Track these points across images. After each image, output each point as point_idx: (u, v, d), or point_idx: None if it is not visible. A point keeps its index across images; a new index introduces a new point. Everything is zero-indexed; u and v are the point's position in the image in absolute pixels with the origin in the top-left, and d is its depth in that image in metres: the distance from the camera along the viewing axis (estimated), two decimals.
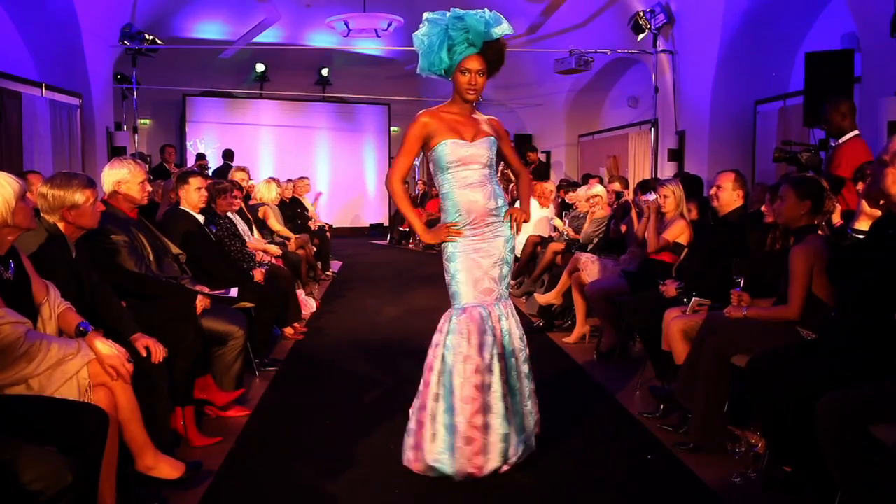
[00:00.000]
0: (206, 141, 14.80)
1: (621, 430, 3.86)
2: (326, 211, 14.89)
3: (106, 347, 2.64)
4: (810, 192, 3.40)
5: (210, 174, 9.86)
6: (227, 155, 12.47)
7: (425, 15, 3.14)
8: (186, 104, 15.05)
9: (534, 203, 8.15)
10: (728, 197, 4.26)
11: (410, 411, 3.21)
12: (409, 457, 3.16)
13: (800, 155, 5.01)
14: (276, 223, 7.24)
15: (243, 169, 7.18)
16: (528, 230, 7.96)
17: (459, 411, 3.06)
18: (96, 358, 2.59)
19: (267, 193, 7.40)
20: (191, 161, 13.75)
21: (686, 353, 3.65)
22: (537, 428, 3.32)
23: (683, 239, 4.83)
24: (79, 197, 3.02)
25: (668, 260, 4.87)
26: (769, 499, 2.98)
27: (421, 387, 3.18)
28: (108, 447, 2.45)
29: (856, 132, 4.91)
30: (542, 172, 11.66)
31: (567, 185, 9.01)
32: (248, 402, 4.16)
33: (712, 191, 4.33)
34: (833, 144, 5.01)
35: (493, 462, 3.10)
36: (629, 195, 6.85)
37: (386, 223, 16.54)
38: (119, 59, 10.78)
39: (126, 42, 10.32)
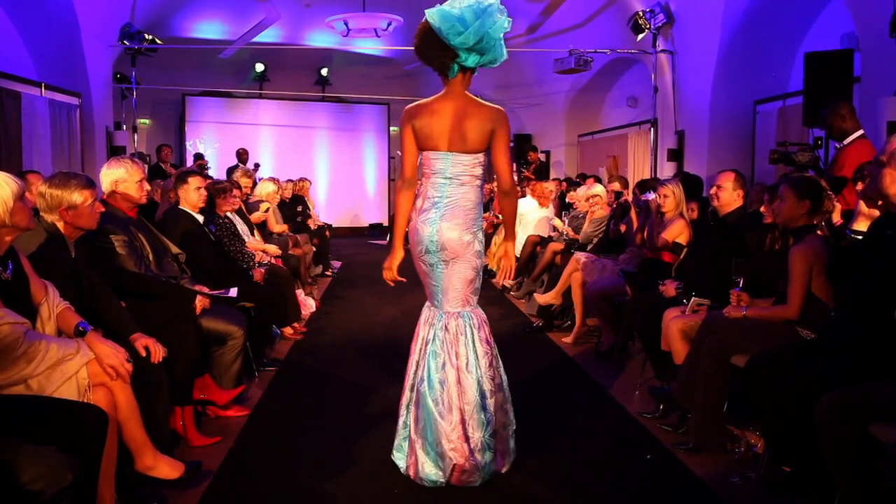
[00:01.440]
0: (205, 141, 14.80)
1: (620, 429, 3.86)
2: (326, 211, 14.89)
3: (105, 347, 2.64)
4: (809, 192, 3.40)
5: (212, 175, 9.85)
6: (240, 155, 12.39)
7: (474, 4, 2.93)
8: (186, 104, 15.04)
9: (533, 203, 8.17)
10: (728, 197, 4.26)
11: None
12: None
13: (795, 155, 5.00)
14: (276, 224, 7.20)
15: (249, 175, 7.15)
16: (528, 230, 7.97)
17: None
18: (95, 358, 2.60)
19: (263, 191, 7.38)
20: (189, 161, 13.74)
21: (685, 353, 3.65)
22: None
23: (683, 239, 4.83)
24: (77, 197, 3.02)
25: (667, 260, 4.87)
26: (768, 499, 2.98)
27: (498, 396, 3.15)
28: (108, 447, 2.45)
29: (860, 132, 4.86)
30: (541, 172, 11.67)
31: (571, 183, 8.98)
32: (248, 402, 4.16)
33: (712, 191, 4.33)
34: (838, 146, 4.98)
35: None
36: (628, 195, 6.85)
37: (385, 223, 16.55)
38: (118, 58, 10.78)
39: (125, 42, 10.32)
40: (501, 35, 2.98)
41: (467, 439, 3.01)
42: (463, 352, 3.08)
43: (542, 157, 13.32)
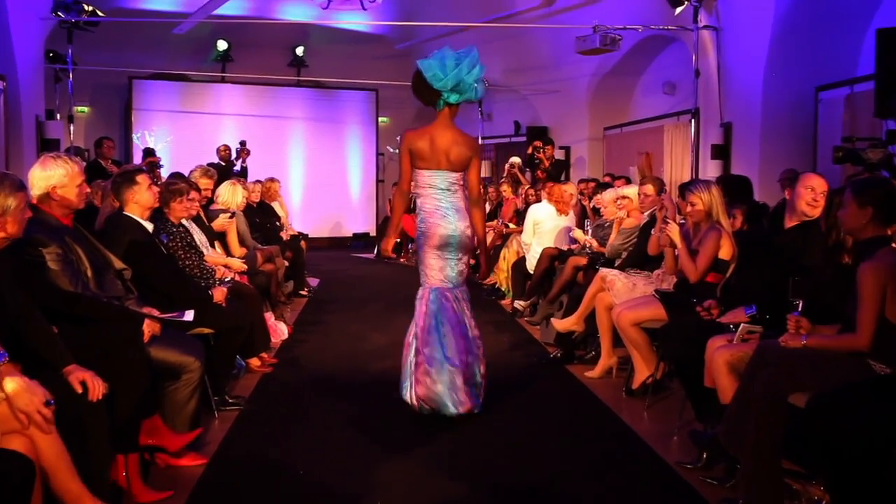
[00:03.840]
0: (156, 133, 14.84)
1: (656, 482, 3.85)
2: (301, 218, 14.90)
3: (17, 387, 2.60)
4: (873, 198, 3.40)
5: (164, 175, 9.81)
6: (220, 153, 12.34)
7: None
8: (133, 88, 15.10)
9: (550, 209, 8.18)
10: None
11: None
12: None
13: (865, 153, 4.98)
14: (235, 243, 6.99)
15: (209, 175, 7.12)
16: (543, 241, 7.97)
17: None
18: (6, 399, 2.56)
19: (232, 199, 7.36)
20: (137, 157, 13.73)
21: (733, 391, 3.64)
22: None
23: (725, 253, 4.80)
24: (11, 202, 3.02)
25: (710, 280, 4.86)
26: None
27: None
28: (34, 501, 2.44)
29: None
30: (556, 173, 11.64)
31: (599, 185, 8.98)
32: (205, 449, 4.15)
33: (807, 196, 4.22)
34: None
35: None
36: (665, 201, 6.84)
37: (372, 233, 16.56)
38: (51, 33, 10.81)
39: (60, 13, 10.35)
40: (475, 80, 4.74)
41: (467, 381, 4.67)
42: (463, 319, 4.82)
43: (558, 154, 13.33)
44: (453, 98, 4.77)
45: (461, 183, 4.88)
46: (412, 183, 4.92)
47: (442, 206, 4.82)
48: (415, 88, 4.89)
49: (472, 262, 5.04)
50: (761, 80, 8.92)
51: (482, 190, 5.09)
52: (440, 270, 4.84)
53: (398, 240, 14.04)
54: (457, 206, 4.85)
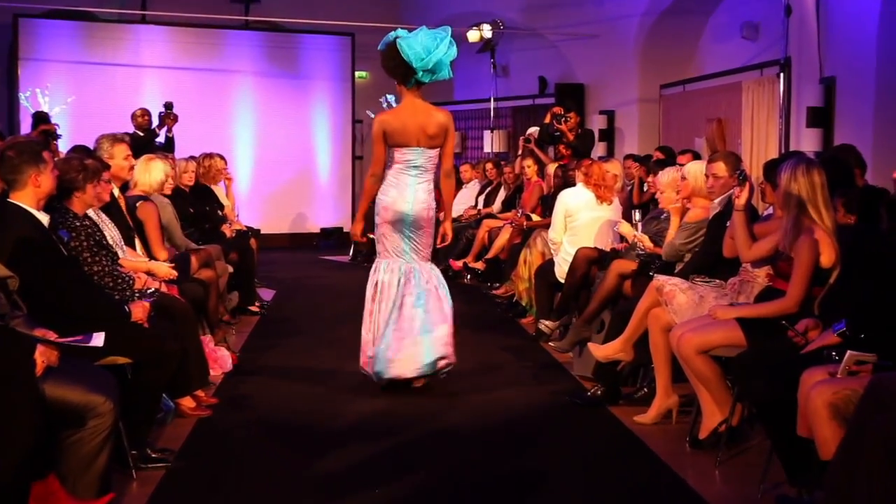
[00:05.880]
0: (52, 92, 14.77)
1: None
2: (251, 208, 14.89)
3: None
4: None
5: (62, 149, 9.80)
6: (136, 119, 12.27)
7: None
8: (19, 30, 15.05)
9: (588, 195, 8.13)
10: None
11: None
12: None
13: None
14: (158, 241, 6.91)
15: (123, 140, 7.08)
16: (579, 238, 7.94)
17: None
18: None
19: (146, 178, 7.31)
20: (24, 126, 13.66)
21: (838, 441, 3.64)
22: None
23: (826, 260, 4.78)
24: None
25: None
26: None
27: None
28: None
29: None
30: (584, 148, 11.53)
31: (659, 163, 8.96)
32: None
33: None
34: None
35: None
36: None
37: (347, 228, 16.49)
38: None
39: None
40: (450, 60, 6.31)
41: (423, 345, 6.37)
42: (433, 290, 6.50)
43: (598, 122, 13.26)
44: (426, 77, 6.32)
45: (435, 163, 6.52)
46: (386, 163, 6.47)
47: (406, 182, 6.43)
48: (386, 65, 6.39)
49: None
50: (876, 21, 8.91)
51: (453, 165, 6.96)
52: (394, 243, 6.53)
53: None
54: (419, 186, 6.45)
